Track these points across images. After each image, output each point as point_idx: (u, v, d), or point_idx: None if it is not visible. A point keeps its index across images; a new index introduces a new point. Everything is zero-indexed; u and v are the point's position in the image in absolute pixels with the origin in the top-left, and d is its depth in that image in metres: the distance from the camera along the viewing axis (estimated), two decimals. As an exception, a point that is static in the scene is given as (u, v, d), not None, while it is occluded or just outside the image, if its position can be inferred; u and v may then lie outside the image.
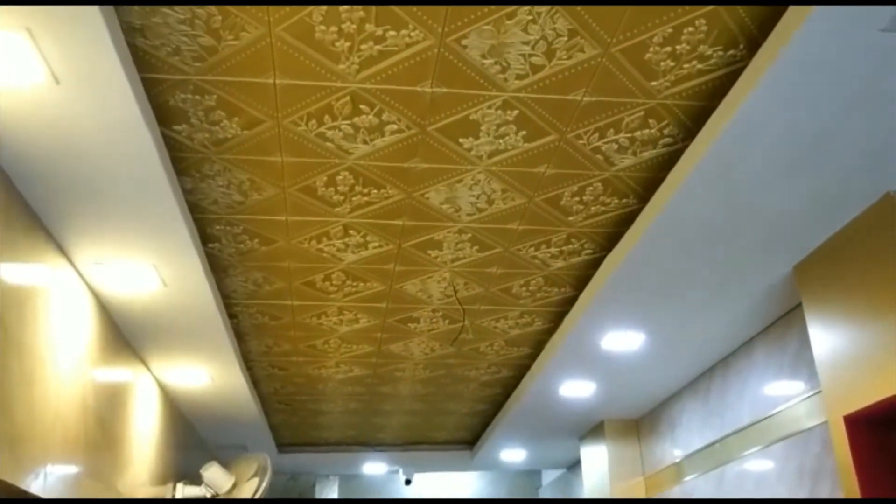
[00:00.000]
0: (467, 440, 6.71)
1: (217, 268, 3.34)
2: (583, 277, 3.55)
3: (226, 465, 4.86)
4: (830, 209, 2.71)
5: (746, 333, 3.83)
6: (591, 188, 2.83)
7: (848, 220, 2.81)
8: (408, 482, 7.23)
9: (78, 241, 2.69)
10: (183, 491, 4.78)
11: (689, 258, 3.02)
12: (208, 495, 4.80)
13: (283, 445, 6.53)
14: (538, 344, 4.37)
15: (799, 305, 3.47)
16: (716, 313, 3.55)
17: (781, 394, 3.60)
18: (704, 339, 3.87)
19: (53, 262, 2.70)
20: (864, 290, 2.73)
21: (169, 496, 4.73)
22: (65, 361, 2.83)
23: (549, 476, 8.02)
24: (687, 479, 4.61)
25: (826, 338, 2.93)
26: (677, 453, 4.76)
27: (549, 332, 4.18)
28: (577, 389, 4.69)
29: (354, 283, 3.56)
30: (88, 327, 3.10)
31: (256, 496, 4.77)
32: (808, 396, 3.38)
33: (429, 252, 3.29)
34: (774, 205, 2.65)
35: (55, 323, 2.71)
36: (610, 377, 4.47)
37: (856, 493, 2.71)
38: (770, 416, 3.69)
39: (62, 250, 2.76)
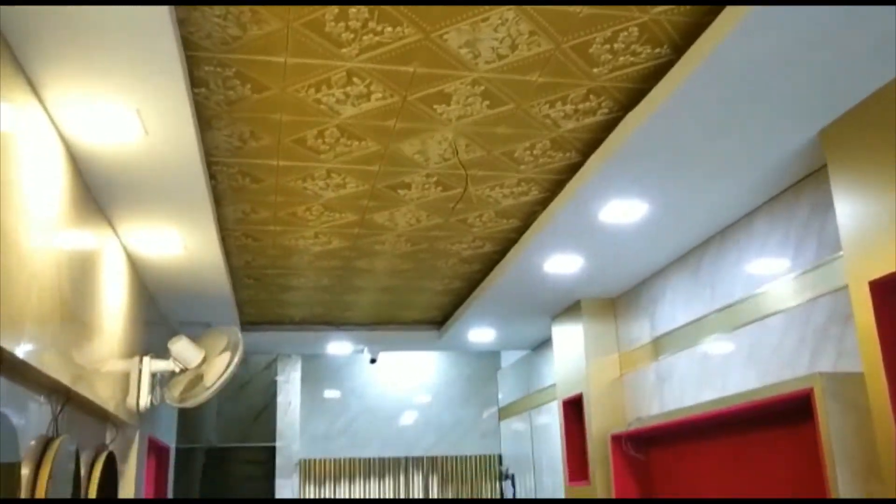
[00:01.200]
0: (437, 320, 6.63)
1: (201, 118, 3.02)
2: (592, 141, 3.36)
3: (194, 340, 4.65)
4: (861, 74, 2.56)
5: (750, 204, 3.71)
6: (625, 33, 2.59)
7: (879, 86, 2.67)
8: (373, 361, 7.18)
9: (52, 74, 2.35)
10: (150, 365, 4.58)
11: (717, 120, 2.85)
12: (177, 370, 4.61)
13: (247, 324, 6.34)
14: (529, 216, 4.20)
15: (811, 175, 3.37)
16: (728, 182, 3.42)
17: (784, 265, 3.53)
18: (708, 210, 3.76)
19: (22, 99, 2.37)
20: (894, 156, 2.61)
21: (135, 371, 4.52)
22: (37, 221, 2.53)
23: (509, 358, 8.06)
24: (663, 356, 4.61)
25: (851, 203, 2.83)
26: (657, 330, 4.74)
27: (543, 202, 4.01)
28: (562, 265, 4.57)
29: (349, 142, 3.30)
30: (60, 183, 2.79)
31: (228, 371, 4.62)
32: (816, 267, 3.31)
33: (435, 107, 3.04)
34: (805, 66, 2.47)
35: (26, 176, 2.40)
36: (599, 252, 4.35)
37: (877, 359, 2.66)
38: (768, 289, 3.64)
39: (32, 85, 2.42)
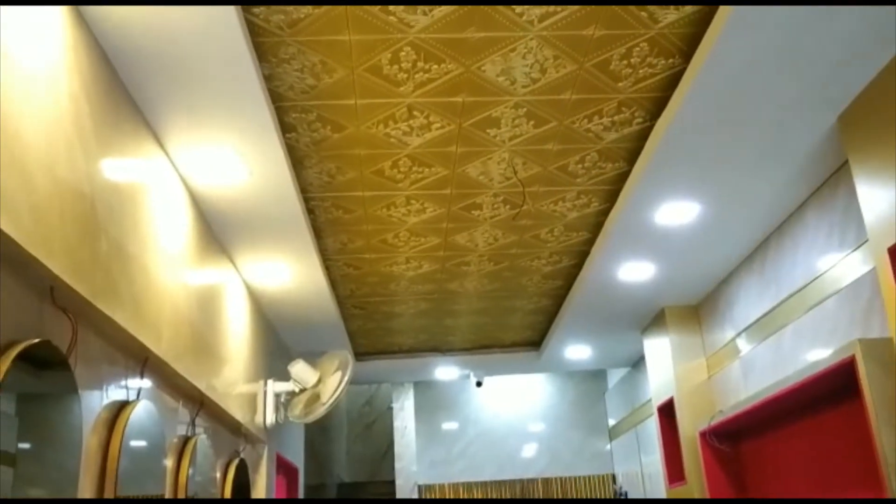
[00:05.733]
0: (534, 341, 7.00)
1: (294, 158, 3.63)
2: (635, 150, 3.74)
3: (310, 363, 5.24)
4: (864, 55, 2.85)
5: (797, 198, 3.98)
6: (637, 49, 3.00)
7: (882, 66, 2.94)
8: (479, 384, 7.59)
9: (170, 126, 2.99)
10: (273, 387, 5.21)
11: (735, 117, 3.20)
12: (296, 390, 5.21)
13: (359, 354, 6.93)
14: (596, 227, 4.59)
15: (846, 163, 3.61)
16: (765, 176, 3.72)
17: (832, 250, 3.77)
18: (757, 206, 4.04)
19: (150, 151, 3.02)
20: (906, 131, 2.87)
21: (261, 392, 5.15)
22: (170, 257, 3.16)
23: (614, 377, 8.30)
24: (745, 351, 4.82)
25: (868, 176, 3.08)
26: (735, 329, 4.96)
27: (606, 212, 4.39)
28: (635, 272, 4.91)
29: (420, 169, 3.82)
30: (186, 222, 3.44)
31: (340, 390, 5.15)
32: (858, 247, 3.54)
33: (487, 131, 3.52)
34: (812, 49, 2.80)
35: (158, 218, 3.04)
36: (667, 256, 4.67)
37: (900, 318, 2.89)
38: (822, 274, 3.86)
39: (157, 138, 3.07)
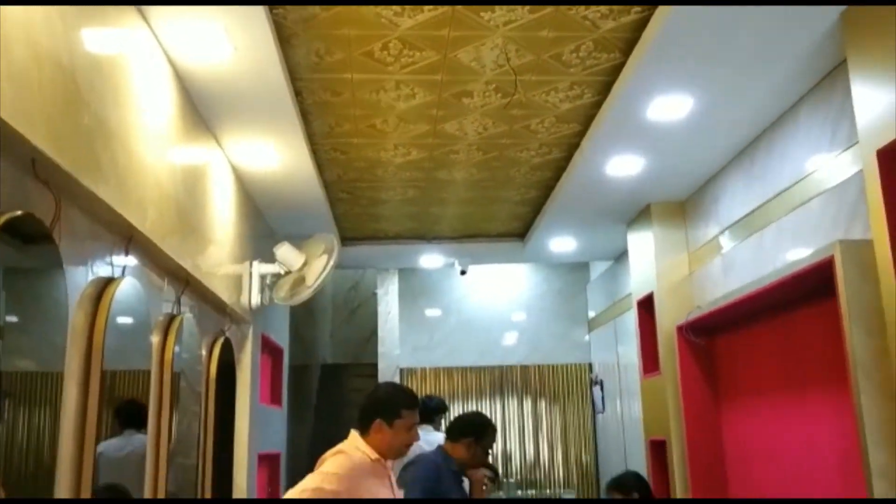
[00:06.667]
0: (519, 232, 7.04)
1: (281, 38, 3.52)
2: (632, 40, 3.65)
3: (295, 246, 5.25)
4: (879, -56, 2.75)
5: (792, 97, 3.93)
6: (640, -67, 2.89)
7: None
8: (463, 272, 7.68)
9: (155, -1, 2.88)
10: (259, 268, 5.23)
11: (737, 9, 3.11)
12: (282, 272, 5.25)
13: (345, 239, 6.95)
14: (588, 119, 4.53)
15: (843, 63, 3.55)
16: (762, 72, 3.65)
17: (822, 151, 3.75)
18: (751, 103, 3.99)
19: (131, 23, 2.92)
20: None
21: (246, 274, 5.19)
22: (152, 124, 3.11)
23: (596, 270, 8.42)
24: (726, 248, 4.87)
25: (864, 75, 3.04)
26: (719, 227, 5.00)
27: (599, 105, 4.33)
28: (624, 166, 4.88)
29: (411, 53, 3.72)
30: (169, 97, 3.36)
31: (325, 273, 5.18)
32: (848, 148, 3.52)
33: (481, 14, 3.42)
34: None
35: (140, 94, 2.96)
36: (657, 151, 4.64)
37: (882, 226, 2.90)
38: (809, 175, 3.86)
39: (138, 9, 2.96)
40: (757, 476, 4.53)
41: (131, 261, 3.05)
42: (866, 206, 3.34)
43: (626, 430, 7.32)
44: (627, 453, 7.22)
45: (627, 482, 4.15)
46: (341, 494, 3.27)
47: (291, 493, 3.29)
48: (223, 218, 4.43)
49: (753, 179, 4.51)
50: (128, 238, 2.95)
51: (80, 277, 2.56)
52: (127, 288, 2.84)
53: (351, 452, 3.42)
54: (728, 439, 4.93)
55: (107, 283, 2.71)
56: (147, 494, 3.19)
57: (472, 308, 8.63)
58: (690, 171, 5.02)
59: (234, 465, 4.91)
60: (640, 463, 6.05)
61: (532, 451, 8.44)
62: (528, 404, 8.51)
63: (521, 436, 8.45)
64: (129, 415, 3.03)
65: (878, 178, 2.93)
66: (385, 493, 3.49)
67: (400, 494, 3.65)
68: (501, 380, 8.52)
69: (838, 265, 3.23)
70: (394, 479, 3.69)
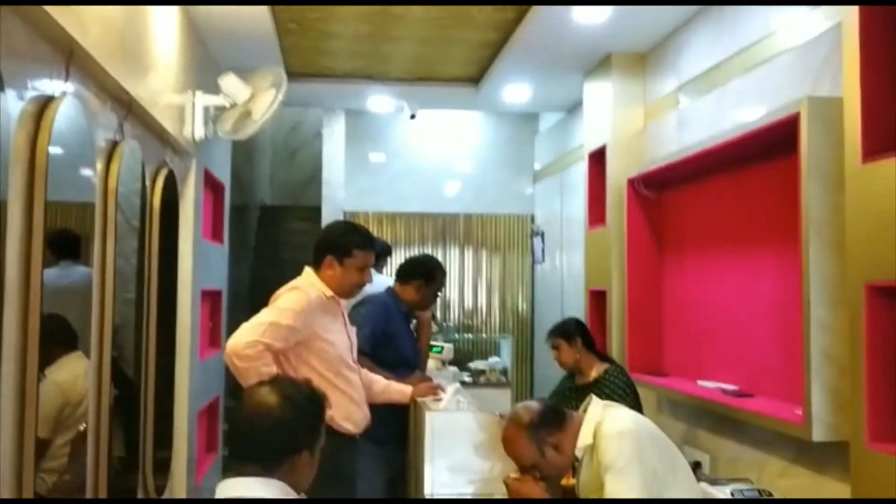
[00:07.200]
0: (474, 77, 6.84)
1: None
2: None
3: (242, 78, 4.99)
4: None
5: (773, -56, 3.78)
6: None
7: None
8: (412, 116, 7.50)
9: None
10: (203, 99, 4.97)
11: None
12: (227, 105, 5.01)
13: (292, 74, 6.64)
14: (557, -43, 4.30)
15: None
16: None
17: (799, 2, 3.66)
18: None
19: None
20: None
21: (189, 105, 4.93)
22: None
23: (546, 122, 8.33)
24: (684, 104, 4.83)
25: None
26: (680, 80, 4.93)
27: (571, -59, 4.10)
28: (590, 13, 4.71)
29: None
30: None
31: (273, 107, 4.96)
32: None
33: None
34: None
35: None
36: (625, -3, 4.47)
37: (854, 83, 2.87)
38: (780, 29, 3.78)
39: None
40: (693, 325, 4.71)
41: (73, 83, 2.82)
42: (838, 63, 3.32)
43: (563, 281, 7.51)
44: (564, 302, 7.43)
45: (570, 328, 4.26)
46: (297, 329, 3.27)
47: (246, 327, 3.27)
48: (165, 43, 4.14)
49: (720, 33, 4.40)
50: (68, 53, 2.72)
51: (20, 95, 2.36)
52: (69, 108, 2.65)
53: (306, 289, 3.39)
54: (668, 290, 5.08)
55: (48, 102, 2.52)
56: (93, 327, 3.11)
57: (418, 154, 8.51)
58: (656, 22, 4.87)
59: (177, 301, 4.85)
60: (576, 312, 6.21)
61: (471, 298, 8.62)
62: (469, 253, 8.61)
63: (461, 283, 8.60)
64: (64, 245, 2.90)
65: (856, 29, 2.87)
66: (338, 330, 3.52)
67: (352, 332, 3.69)
68: (444, 228, 8.55)
69: (804, 121, 3.21)
70: (346, 317, 3.71)
